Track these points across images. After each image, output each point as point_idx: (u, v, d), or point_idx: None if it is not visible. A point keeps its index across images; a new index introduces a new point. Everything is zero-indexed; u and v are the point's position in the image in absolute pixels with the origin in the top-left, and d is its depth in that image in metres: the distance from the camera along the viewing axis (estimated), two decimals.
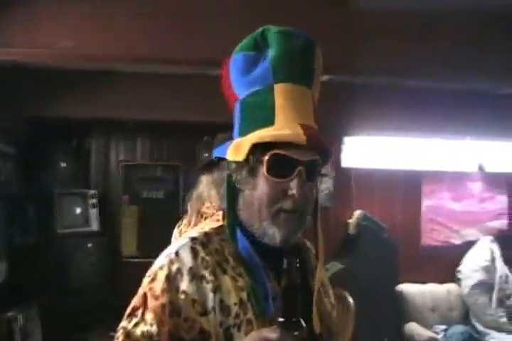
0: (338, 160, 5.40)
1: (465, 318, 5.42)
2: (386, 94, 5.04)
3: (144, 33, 3.45)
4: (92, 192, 5.10)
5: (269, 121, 1.27)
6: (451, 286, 5.58)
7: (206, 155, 5.54)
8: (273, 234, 1.27)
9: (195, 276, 1.23)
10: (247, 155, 1.26)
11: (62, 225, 4.81)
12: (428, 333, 5.01)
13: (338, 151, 5.41)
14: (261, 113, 1.30)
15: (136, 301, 1.26)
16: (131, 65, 4.43)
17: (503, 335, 5.20)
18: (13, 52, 3.45)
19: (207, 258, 1.26)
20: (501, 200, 6.05)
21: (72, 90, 4.73)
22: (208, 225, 1.38)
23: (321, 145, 1.29)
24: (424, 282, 5.53)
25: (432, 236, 5.85)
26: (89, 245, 4.90)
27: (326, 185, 5.33)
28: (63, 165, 5.09)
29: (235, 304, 1.23)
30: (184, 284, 1.22)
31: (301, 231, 1.32)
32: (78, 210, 4.97)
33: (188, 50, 3.47)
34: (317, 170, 1.31)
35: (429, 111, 5.20)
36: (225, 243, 1.31)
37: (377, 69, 3.87)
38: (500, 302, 5.38)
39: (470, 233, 5.91)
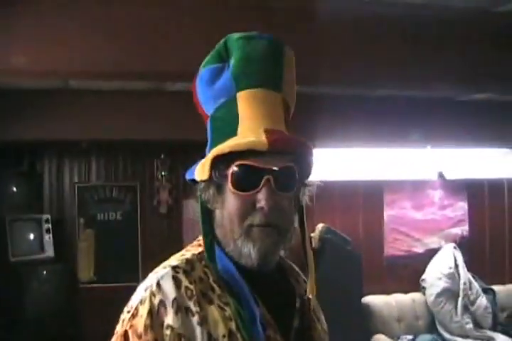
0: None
1: (431, 327, 5.38)
2: (344, 105, 4.96)
3: (98, 48, 3.27)
4: (46, 216, 4.90)
5: (232, 132, 1.18)
6: (416, 295, 5.54)
7: (164, 173, 5.45)
8: (248, 252, 1.15)
9: (180, 308, 1.11)
10: (210, 172, 1.16)
11: (16, 253, 4.61)
12: None
13: None
14: (226, 126, 1.20)
15: None
16: (83, 82, 4.28)
17: None
18: None
19: (191, 287, 1.14)
20: (462, 207, 6.03)
21: (22, 110, 4.53)
22: (189, 251, 1.26)
23: (289, 150, 1.17)
24: (389, 292, 5.48)
25: (395, 246, 5.80)
26: (45, 272, 4.70)
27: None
28: (14, 189, 4.89)
29: (224, 336, 1.11)
30: (169, 318, 1.10)
31: (281, 249, 1.21)
32: (32, 236, 4.77)
33: (143, 64, 3.30)
34: (292, 178, 1.18)
35: (388, 121, 5.14)
36: (209, 269, 1.20)
37: (338, 81, 3.79)
38: (466, 309, 5.35)
39: (432, 241, 5.88)
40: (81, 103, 4.63)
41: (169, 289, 1.13)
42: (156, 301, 1.11)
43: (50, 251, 4.82)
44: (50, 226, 4.84)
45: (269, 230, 1.15)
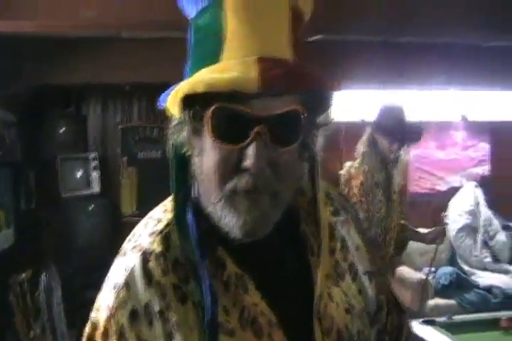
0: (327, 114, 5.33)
1: (452, 260, 5.38)
2: (373, 49, 4.89)
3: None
4: (93, 155, 4.91)
5: (214, 55, 0.80)
6: None
7: None
8: (230, 224, 0.83)
9: (154, 316, 0.84)
10: (182, 110, 0.82)
11: (66, 189, 4.68)
12: (418, 275, 5.01)
13: None
14: (209, 43, 0.82)
15: None
16: (132, 31, 4.27)
17: (487, 274, 5.16)
18: (21, 24, 3.35)
19: (162, 281, 0.85)
20: (483, 147, 5.90)
21: (69, 56, 4.55)
22: (167, 213, 0.94)
23: (292, 89, 0.80)
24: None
25: (419, 184, 5.75)
26: (92, 206, 4.78)
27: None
28: (63, 130, 4.90)
29: None
30: (143, 331, 0.83)
31: (277, 215, 0.86)
32: (80, 173, 4.81)
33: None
34: (296, 126, 0.83)
35: (415, 64, 5.08)
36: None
37: (365, 28, 3.74)
38: (485, 244, 5.33)
39: (454, 179, 5.80)
40: (123, 48, 4.62)
41: (140, 290, 0.84)
42: (127, 312, 0.83)
43: (96, 187, 4.86)
44: (97, 163, 4.86)
45: (259, 197, 0.81)
